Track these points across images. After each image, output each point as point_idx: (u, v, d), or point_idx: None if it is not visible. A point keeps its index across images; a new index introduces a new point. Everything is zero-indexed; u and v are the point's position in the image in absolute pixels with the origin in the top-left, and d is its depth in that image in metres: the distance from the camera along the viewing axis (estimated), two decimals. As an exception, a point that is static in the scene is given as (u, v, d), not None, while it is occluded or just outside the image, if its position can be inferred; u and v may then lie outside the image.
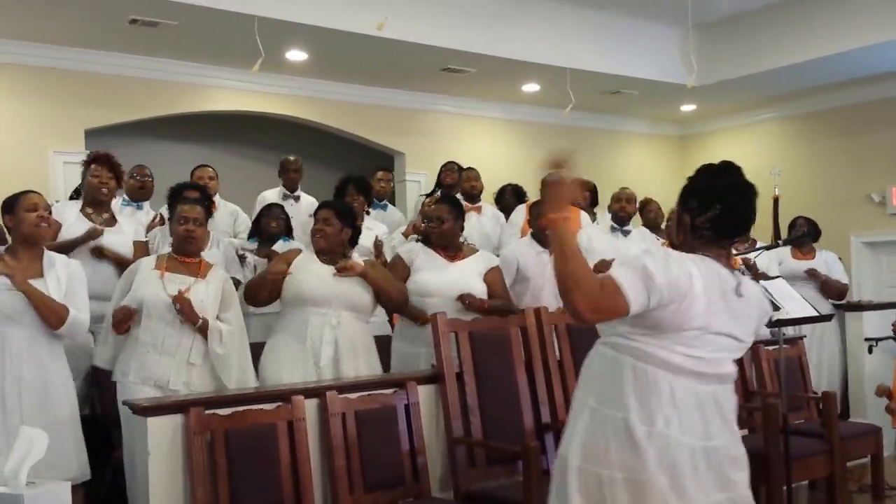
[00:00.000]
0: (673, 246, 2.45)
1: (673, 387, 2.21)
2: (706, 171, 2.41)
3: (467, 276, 4.30)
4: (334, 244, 3.98)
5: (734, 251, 5.14)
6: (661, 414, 2.19)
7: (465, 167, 6.64)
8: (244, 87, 7.19)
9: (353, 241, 4.10)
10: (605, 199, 6.35)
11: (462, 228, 4.48)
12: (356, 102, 7.77)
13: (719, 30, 7.60)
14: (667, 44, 7.70)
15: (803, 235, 6.25)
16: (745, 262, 5.54)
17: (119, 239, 4.44)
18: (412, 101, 8.05)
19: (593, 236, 5.39)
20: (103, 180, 4.47)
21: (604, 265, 4.50)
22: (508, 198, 6.75)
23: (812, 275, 6.27)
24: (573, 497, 2.23)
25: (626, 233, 5.80)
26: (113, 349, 3.67)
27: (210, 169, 5.74)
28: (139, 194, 5.44)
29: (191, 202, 3.95)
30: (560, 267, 2.15)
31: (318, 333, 3.80)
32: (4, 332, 3.34)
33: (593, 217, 6.31)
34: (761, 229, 6.89)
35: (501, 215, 6.41)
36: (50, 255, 3.56)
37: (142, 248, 4.54)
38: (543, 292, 4.59)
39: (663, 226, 5.98)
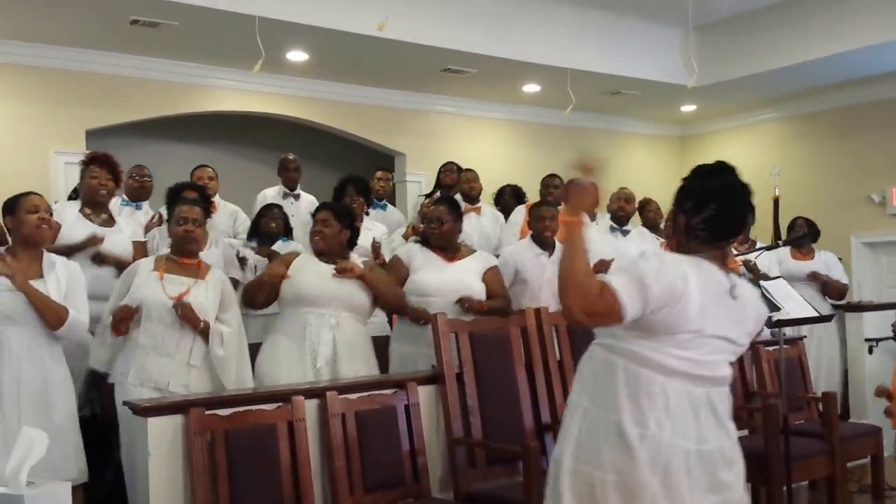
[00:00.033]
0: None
1: (666, 389, 2.21)
2: (700, 172, 2.40)
3: (466, 276, 4.31)
4: (333, 245, 3.99)
5: (734, 252, 5.16)
6: (654, 416, 2.19)
7: (464, 168, 6.64)
8: (245, 88, 7.19)
9: (352, 242, 4.11)
10: (605, 199, 6.35)
11: (460, 230, 4.49)
12: (357, 103, 7.77)
13: (720, 30, 7.60)
14: (667, 44, 7.70)
15: (803, 236, 6.25)
16: (746, 263, 5.54)
17: (118, 239, 4.44)
18: (412, 102, 8.05)
19: (592, 237, 5.38)
20: (102, 181, 4.46)
21: (603, 265, 4.51)
22: (508, 198, 6.75)
23: (814, 278, 6.27)
24: (565, 498, 2.23)
25: (625, 233, 5.81)
26: (110, 351, 3.65)
27: (210, 169, 5.75)
28: (138, 194, 5.44)
29: (189, 203, 3.95)
30: (564, 267, 2.17)
31: (317, 334, 3.80)
32: (4, 333, 3.34)
33: (593, 217, 6.30)
34: (761, 230, 6.90)
35: (501, 216, 6.42)
36: (50, 257, 3.56)
37: (140, 249, 4.53)
38: (541, 294, 4.59)
39: (662, 225, 5.98)
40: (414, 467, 3.58)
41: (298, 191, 6.19)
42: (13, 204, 3.52)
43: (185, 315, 3.56)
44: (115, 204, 5.12)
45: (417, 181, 8.08)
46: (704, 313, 2.21)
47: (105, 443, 3.88)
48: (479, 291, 4.29)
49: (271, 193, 6.15)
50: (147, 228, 4.94)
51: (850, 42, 6.79)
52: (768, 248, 5.43)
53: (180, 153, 7.55)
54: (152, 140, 7.57)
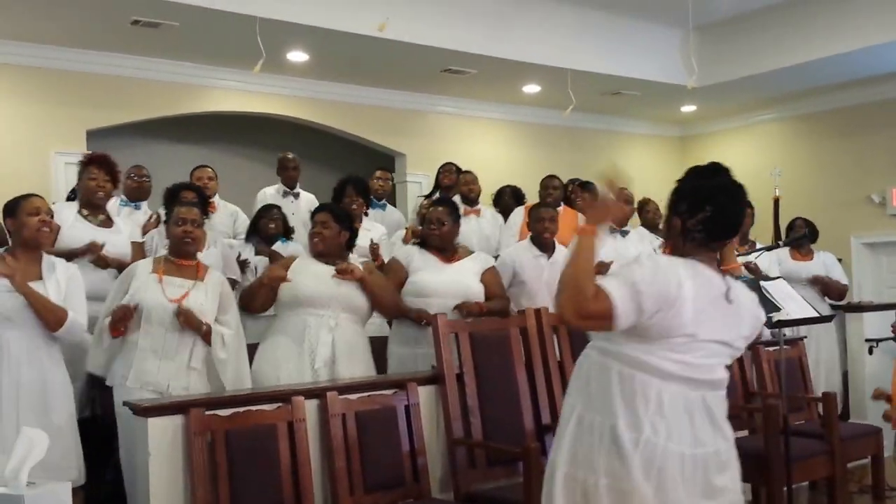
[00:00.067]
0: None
1: (661, 393, 2.20)
2: (695, 173, 2.39)
3: (464, 276, 4.31)
4: (332, 247, 3.99)
5: (735, 253, 5.16)
6: (649, 420, 2.18)
7: (463, 170, 6.63)
8: (245, 88, 7.19)
9: (350, 243, 4.11)
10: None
11: (458, 232, 4.50)
12: (357, 103, 7.78)
13: (720, 31, 7.60)
14: (667, 45, 7.70)
15: (802, 237, 6.25)
16: (748, 265, 5.53)
17: (116, 240, 4.43)
18: (413, 102, 8.05)
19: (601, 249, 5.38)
20: (100, 183, 4.45)
21: (602, 267, 4.50)
22: (507, 199, 6.75)
23: (817, 282, 6.26)
24: (558, 502, 2.23)
25: (624, 233, 5.81)
26: (107, 354, 3.62)
27: (209, 169, 5.75)
28: (137, 194, 5.44)
29: (187, 204, 3.94)
30: (565, 270, 2.19)
31: (316, 335, 3.81)
32: (3, 335, 3.35)
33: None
34: (761, 230, 6.90)
35: (500, 217, 6.41)
36: (49, 259, 3.56)
37: (138, 250, 4.53)
38: (539, 296, 4.59)
39: (661, 225, 5.98)
40: (414, 468, 3.58)
41: (298, 189, 6.19)
42: (14, 206, 3.51)
43: (188, 322, 3.55)
44: (114, 204, 5.11)
45: (418, 182, 8.08)
46: (699, 317, 2.20)
47: (105, 444, 3.88)
48: (477, 292, 4.29)
49: (271, 192, 6.16)
50: (144, 229, 4.93)
51: (851, 42, 6.79)
52: (768, 249, 5.43)
53: (181, 153, 7.55)
54: (153, 140, 7.57)
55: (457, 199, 6.02)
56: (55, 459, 3.11)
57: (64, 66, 6.44)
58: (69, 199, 5.32)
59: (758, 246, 5.84)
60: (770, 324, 3.94)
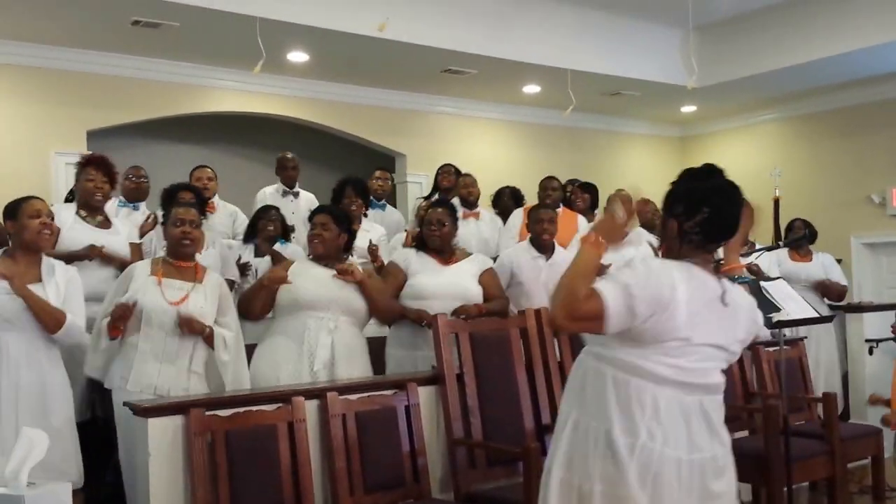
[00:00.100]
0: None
1: (656, 398, 2.19)
2: (689, 175, 2.37)
3: (462, 278, 4.32)
4: (332, 249, 3.99)
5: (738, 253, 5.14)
6: (645, 426, 2.17)
7: (462, 172, 6.60)
8: (245, 88, 7.20)
9: (348, 245, 4.10)
10: (605, 200, 6.34)
11: (456, 234, 4.50)
12: (357, 103, 7.78)
13: (720, 31, 7.60)
14: (667, 45, 7.71)
15: (802, 238, 6.25)
16: (750, 267, 5.51)
17: (114, 241, 4.41)
18: (413, 103, 8.05)
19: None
20: (98, 184, 4.42)
21: (601, 269, 4.49)
22: (507, 200, 6.72)
23: (818, 286, 6.26)
24: None
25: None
26: (104, 357, 3.60)
27: (209, 170, 5.75)
28: (135, 195, 5.43)
29: (185, 205, 3.94)
30: (562, 276, 2.19)
31: (315, 337, 3.80)
32: (2, 338, 3.34)
33: (592, 220, 6.29)
34: (761, 231, 6.89)
35: (499, 220, 6.38)
36: (49, 262, 3.55)
37: (137, 251, 4.52)
38: (536, 297, 4.59)
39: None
40: (414, 468, 3.58)
41: (297, 189, 6.19)
42: (14, 208, 3.50)
43: (192, 330, 3.54)
44: (112, 205, 5.10)
45: (418, 182, 8.08)
46: (693, 320, 2.19)
47: (106, 445, 3.88)
48: (476, 294, 4.30)
49: (270, 192, 6.16)
50: (141, 230, 4.91)
51: (851, 42, 6.80)
52: (768, 249, 5.42)
53: (181, 154, 7.55)
54: (153, 141, 7.58)
55: (456, 201, 6.00)
56: (54, 461, 3.11)
57: (64, 66, 6.45)
58: (67, 200, 5.32)
59: (757, 246, 5.83)
60: (770, 324, 3.94)
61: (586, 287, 2.15)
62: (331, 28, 6.03)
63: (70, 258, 4.05)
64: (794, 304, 4.21)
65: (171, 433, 3.10)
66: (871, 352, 6.26)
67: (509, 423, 3.86)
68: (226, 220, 5.77)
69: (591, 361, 2.30)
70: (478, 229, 6.15)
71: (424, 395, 3.73)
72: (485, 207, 6.61)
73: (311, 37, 6.20)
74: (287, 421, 3.29)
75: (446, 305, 4.12)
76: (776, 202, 7.23)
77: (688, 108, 8.99)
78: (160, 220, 4.51)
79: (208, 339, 3.59)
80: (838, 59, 7.02)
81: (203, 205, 4.66)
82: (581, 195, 6.56)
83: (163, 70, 6.79)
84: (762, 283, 4.21)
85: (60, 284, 3.47)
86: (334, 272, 3.90)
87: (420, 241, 4.50)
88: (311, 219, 4.13)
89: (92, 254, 4.23)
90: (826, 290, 6.32)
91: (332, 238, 3.98)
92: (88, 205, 4.46)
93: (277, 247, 5.19)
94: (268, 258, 5.01)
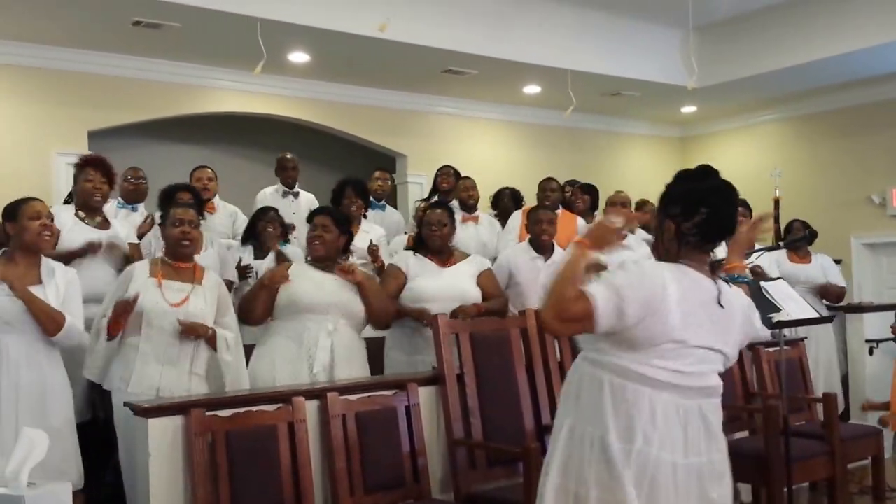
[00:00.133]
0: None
1: (653, 402, 2.18)
2: (685, 176, 2.37)
3: (461, 280, 4.32)
4: (332, 251, 3.99)
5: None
6: (641, 431, 2.16)
7: (462, 175, 6.57)
8: (246, 89, 7.20)
9: (346, 247, 4.10)
10: (605, 201, 6.35)
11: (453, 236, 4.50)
12: (358, 104, 7.78)
13: (720, 31, 7.60)
14: (667, 45, 7.71)
15: (801, 239, 6.24)
16: (754, 269, 5.50)
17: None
18: (413, 103, 8.05)
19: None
20: (97, 185, 4.42)
21: (599, 268, 4.49)
22: (506, 202, 6.71)
23: (818, 289, 6.25)
24: None
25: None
26: (103, 358, 3.59)
27: (209, 170, 5.75)
28: (133, 196, 5.43)
29: (183, 205, 3.94)
30: (552, 280, 2.19)
31: (315, 339, 3.80)
32: (2, 339, 3.34)
33: (591, 221, 6.28)
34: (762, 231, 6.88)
35: (498, 224, 6.37)
36: (48, 263, 3.54)
37: (137, 252, 4.52)
38: (534, 297, 4.58)
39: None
40: (414, 468, 3.58)
41: (297, 189, 6.19)
42: (14, 209, 3.50)
43: (196, 335, 3.53)
44: (111, 206, 5.10)
45: (418, 182, 8.07)
46: (687, 321, 2.18)
47: (106, 445, 3.88)
48: (474, 296, 4.30)
49: (270, 192, 6.16)
50: (139, 231, 4.91)
51: (852, 42, 6.79)
52: (769, 250, 5.42)
53: (181, 154, 7.55)
54: (154, 141, 7.58)
55: (455, 204, 5.99)
56: (54, 462, 3.11)
57: (65, 66, 6.45)
58: (66, 202, 5.31)
59: (757, 247, 5.83)
60: (770, 324, 3.94)
61: (574, 289, 2.15)
62: (331, 28, 6.03)
63: (69, 257, 4.05)
64: (794, 304, 4.21)
65: (172, 433, 3.10)
66: (871, 352, 6.26)
67: (509, 424, 3.86)
68: (226, 221, 5.77)
69: (587, 367, 2.29)
70: (477, 233, 6.13)
71: (424, 396, 3.74)
72: (484, 210, 6.60)
73: (311, 37, 6.20)
74: (287, 421, 3.29)
75: (445, 307, 4.11)
76: (776, 202, 7.22)
77: (688, 109, 8.99)
78: (157, 220, 4.51)
79: (211, 340, 3.58)
80: (839, 60, 7.02)
81: (201, 205, 4.66)
82: (581, 196, 6.55)
83: (164, 70, 6.79)
84: (762, 284, 4.21)
85: (60, 286, 3.47)
86: (334, 274, 3.91)
87: (418, 243, 4.49)
88: (310, 220, 4.12)
89: (91, 250, 4.23)
90: (825, 292, 6.32)
91: (333, 240, 3.99)
92: (87, 205, 4.46)
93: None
94: (268, 260, 5.01)
